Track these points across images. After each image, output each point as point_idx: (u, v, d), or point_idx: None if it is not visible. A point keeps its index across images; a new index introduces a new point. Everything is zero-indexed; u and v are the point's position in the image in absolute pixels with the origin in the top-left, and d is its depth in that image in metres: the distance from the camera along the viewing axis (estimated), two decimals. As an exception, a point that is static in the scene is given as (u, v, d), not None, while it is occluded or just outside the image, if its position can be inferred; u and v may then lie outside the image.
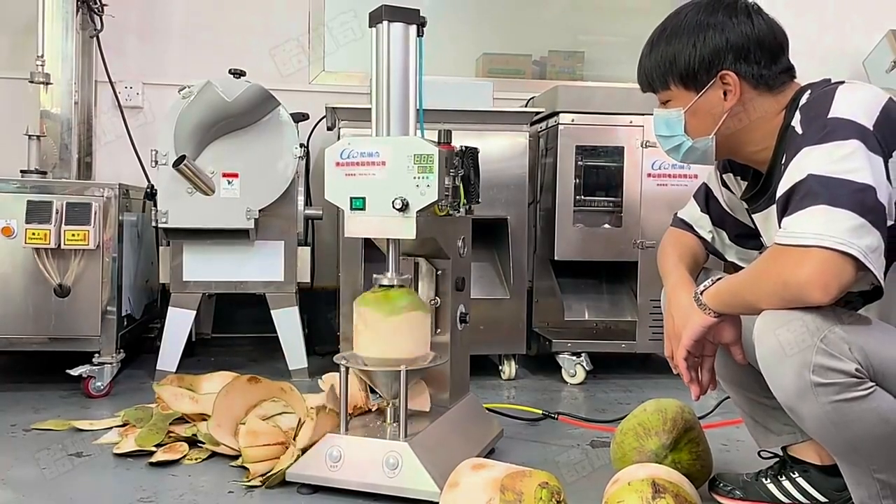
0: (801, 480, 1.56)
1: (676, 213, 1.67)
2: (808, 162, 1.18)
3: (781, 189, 1.22)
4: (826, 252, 1.11)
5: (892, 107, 1.22)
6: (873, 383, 1.16)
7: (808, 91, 1.32)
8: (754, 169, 1.46)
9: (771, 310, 1.21)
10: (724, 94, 1.34)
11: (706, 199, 1.61)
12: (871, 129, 1.16)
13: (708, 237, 1.61)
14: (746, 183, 1.50)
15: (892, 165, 1.18)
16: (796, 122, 1.26)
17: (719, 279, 1.33)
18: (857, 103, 1.20)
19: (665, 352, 1.47)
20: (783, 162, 1.27)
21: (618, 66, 3.86)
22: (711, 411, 2.25)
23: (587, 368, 2.73)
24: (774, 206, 1.27)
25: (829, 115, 1.19)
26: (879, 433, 1.17)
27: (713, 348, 1.41)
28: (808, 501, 1.55)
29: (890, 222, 1.16)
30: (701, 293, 1.33)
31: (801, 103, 1.29)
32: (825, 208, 1.13)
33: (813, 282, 1.12)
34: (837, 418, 1.16)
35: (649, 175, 2.74)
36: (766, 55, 1.33)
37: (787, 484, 1.57)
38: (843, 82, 1.27)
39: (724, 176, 1.58)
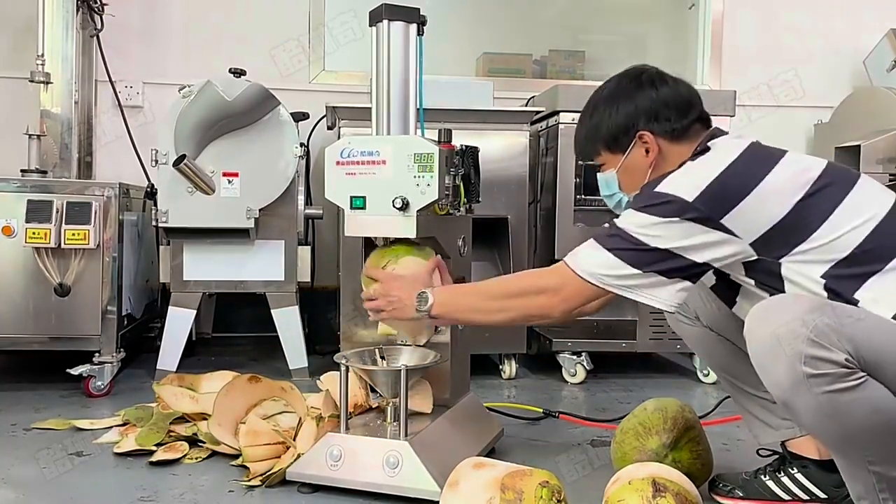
0: (800, 476, 1.56)
1: None
2: (622, 218, 1.41)
3: None
4: (574, 276, 1.41)
5: (731, 172, 1.35)
6: (864, 373, 1.18)
7: (705, 141, 1.47)
8: None
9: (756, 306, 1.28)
10: (646, 151, 1.51)
11: None
12: (692, 201, 1.33)
13: None
14: None
15: (728, 222, 1.33)
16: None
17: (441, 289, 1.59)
18: (688, 178, 1.37)
19: (367, 272, 1.67)
20: None
21: (618, 65, 3.79)
22: (712, 410, 2.26)
23: (587, 368, 2.73)
24: None
25: (657, 189, 1.38)
26: (872, 423, 1.19)
27: None
28: (807, 497, 1.55)
29: (751, 255, 1.35)
30: (430, 298, 1.53)
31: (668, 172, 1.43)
32: (595, 245, 1.41)
33: (552, 290, 1.43)
34: (831, 410, 1.18)
35: (649, 174, 2.74)
36: (673, 112, 1.50)
37: (786, 480, 1.57)
38: (719, 136, 1.46)
39: None
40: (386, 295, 1.60)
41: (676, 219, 1.33)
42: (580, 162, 1.63)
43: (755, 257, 1.36)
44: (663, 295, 1.38)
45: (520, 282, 1.53)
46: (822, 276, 1.31)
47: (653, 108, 1.50)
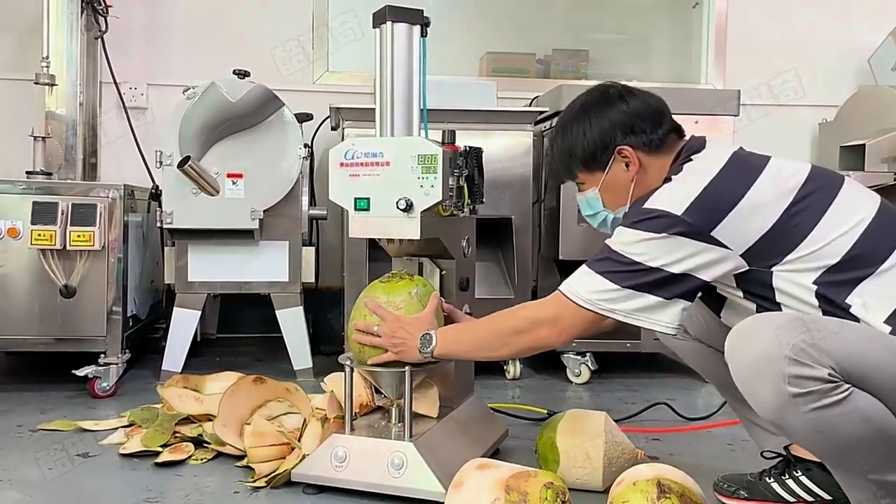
0: (804, 479, 1.56)
1: None
2: (613, 238, 1.40)
3: None
4: (570, 304, 1.39)
5: (717, 184, 1.35)
6: (849, 385, 1.18)
7: (683, 153, 1.47)
8: None
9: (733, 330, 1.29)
10: (626, 165, 1.50)
11: None
12: (681, 214, 1.32)
13: None
14: None
15: (719, 234, 1.32)
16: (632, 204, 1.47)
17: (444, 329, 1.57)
18: (675, 193, 1.36)
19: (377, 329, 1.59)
20: None
21: (621, 64, 3.86)
22: (717, 411, 2.25)
23: (592, 368, 2.73)
24: None
25: (645, 205, 1.37)
26: (864, 433, 1.19)
27: None
28: (812, 499, 1.55)
29: (742, 266, 1.35)
30: (434, 340, 1.53)
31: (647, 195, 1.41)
32: (588, 271, 1.39)
33: (550, 322, 1.41)
34: (821, 425, 1.18)
35: (653, 174, 2.73)
36: (648, 124, 1.49)
37: (790, 483, 1.57)
38: (696, 154, 1.44)
39: None
40: (391, 336, 1.57)
41: (667, 234, 1.32)
42: (558, 183, 1.66)
43: (746, 268, 1.35)
44: (664, 318, 1.35)
45: (519, 317, 1.48)
46: (814, 283, 1.31)
47: (627, 121, 1.48)
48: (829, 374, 1.17)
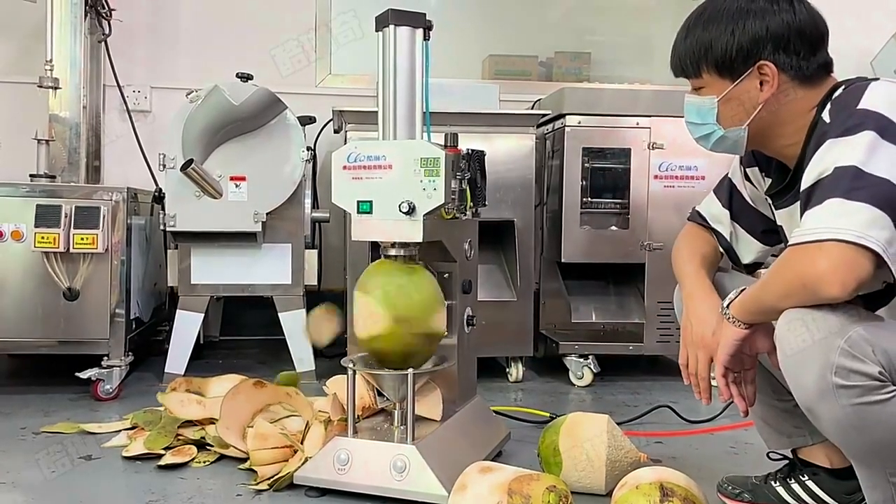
0: (810, 483, 1.55)
1: (695, 207, 1.62)
2: (833, 155, 1.17)
3: (806, 183, 1.22)
4: (841, 245, 1.11)
5: None
6: (895, 387, 1.14)
7: (843, 87, 1.30)
8: (778, 163, 1.42)
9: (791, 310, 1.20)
10: (761, 84, 1.31)
11: (729, 193, 1.56)
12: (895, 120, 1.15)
13: (726, 234, 1.56)
14: (771, 180, 1.47)
15: None
16: (826, 113, 1.26)
17: (743, 290, 1.31)
18: (887, 96, 1.19)
19: (680, 359, 1.45)
20: (809, 156, 1.26)
21: (624, 67, 3.86)
22: (720, 413, 2.25)
23: (594, 371, 2.73)
24: (799, 203, 1.28)
25: (858, 107, 1.18)
26: None
27: (752, 360, 1.37)
28: (817, 505, 1.54)
29: None
30: (727, 306, 1.31)
31: (833, 97, 1.27)
32: (840, 201, 1.13)
33: (828, 277, 1.11)
34: (857, 421, 1.14)
35: (656, 177, 2.73)
36: (805, 46, 1.30)
37: (796, 487, 1.56)
38: (877, 79, 1.26)
39: (748, 170, 1.53)
40: (692, 338, 1.39)
41: (881, 138, 1.13)
42: (676, 76, 1.41)
43: None
44: None
45: (787, 283, 1.19)
46: None
47: (786, 35, 1.28)
48: (880, 373, 1.11)
